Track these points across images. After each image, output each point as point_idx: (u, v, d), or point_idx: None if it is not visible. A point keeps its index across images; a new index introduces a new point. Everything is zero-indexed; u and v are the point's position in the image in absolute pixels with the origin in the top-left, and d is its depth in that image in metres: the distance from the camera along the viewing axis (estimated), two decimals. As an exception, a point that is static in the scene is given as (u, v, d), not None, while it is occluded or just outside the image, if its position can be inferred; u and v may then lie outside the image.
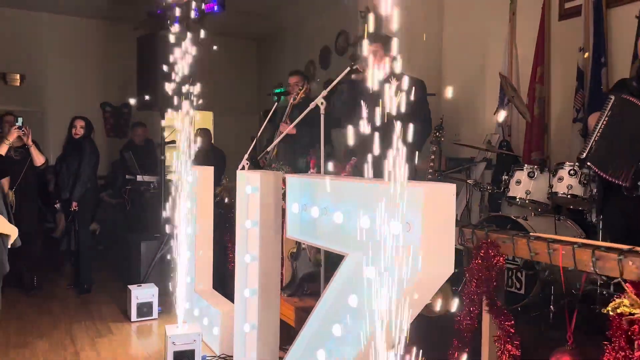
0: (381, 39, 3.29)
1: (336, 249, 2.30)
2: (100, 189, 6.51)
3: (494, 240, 2.15)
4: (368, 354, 2.14)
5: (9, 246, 2.72)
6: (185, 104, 3.66)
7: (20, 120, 4.61)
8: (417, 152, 2.95)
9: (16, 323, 4.00)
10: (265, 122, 4.20)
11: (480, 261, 2.14)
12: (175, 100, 3.64)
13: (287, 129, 4.08)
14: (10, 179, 4.55)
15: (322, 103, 3.04)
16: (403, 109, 1.66)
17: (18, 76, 7.61)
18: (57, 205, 4.88)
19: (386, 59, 3.16)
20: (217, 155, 6.53)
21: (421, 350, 1.81)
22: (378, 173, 1.83)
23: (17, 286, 4.80)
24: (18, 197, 4.67)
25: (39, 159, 4.70)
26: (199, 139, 6.72)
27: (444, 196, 1.83)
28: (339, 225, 2.27)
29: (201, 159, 6.42)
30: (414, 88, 2.85)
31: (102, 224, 6.45)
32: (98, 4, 7.29)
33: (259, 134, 4.22)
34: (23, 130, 4.55)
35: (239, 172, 3.21)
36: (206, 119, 9.13)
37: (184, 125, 3.68)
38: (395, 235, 1.87)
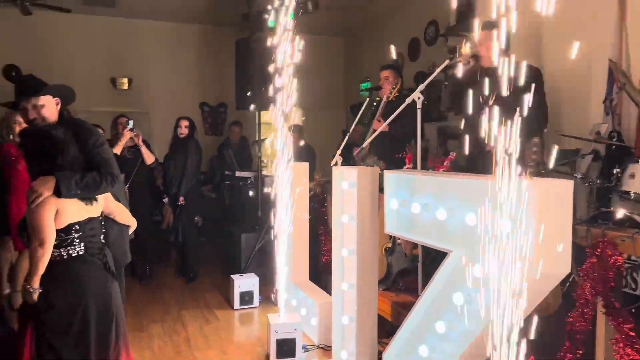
0: (493, 26, 3.14)
1: (439, 246, 2.30)
2: (201, 185, 6.91)
3: (611, 239, 2.04)
4: (473, 353, 2.12)
5: (130, 234, 2.97)
6: (280, 103, 3.80)
7: (131, 123, 5.00)
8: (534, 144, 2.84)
9: (132, 309, 4.37)
10: (357, 118, 4.23)
11: (595, 260, 2.04)
12: (271, 99, 3.79)
13: (381, 127, 4.09)
14: (124, 177, 4.95)
15: (418, 98, 3.02)
16: (521, 99, 1.61)
17: (126, 80, 8.24)
18: (165, 200, 5.24)
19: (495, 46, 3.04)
20: (308, 151, 6.69)
21: (529, 351, 1.77)
22: (486, 167, 1.80)
23: (131, 275, 5.25)
24: (131, 193, 5.08)
25: (149, 158, 5.09)
26: (293, 136, 6.97)
27: (560, 193, 1.77)
28: (442, 222, 2.26)
29: (294, 155, 6.62)
30: (532, 76, 2.74)
31: (203, 218, 6.85)
32: (197, 10, 7.70)
33: (351, 129, 4.28)
34: (134, 132, 4.95)
35: (334, 168, 3.28)
36: (296, 116, 9.34)
37: (279, 124, 3.82)
38: (505, 234, 1.84)
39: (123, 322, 2.38)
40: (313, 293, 3.87)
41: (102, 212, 2.41)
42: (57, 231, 2.14)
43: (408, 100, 3.09)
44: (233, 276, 4.39)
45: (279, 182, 3.72)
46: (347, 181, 3.11)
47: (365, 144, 4.23)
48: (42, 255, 2.09)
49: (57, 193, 2.14)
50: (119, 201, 2.87)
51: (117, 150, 4.88)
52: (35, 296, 2.13)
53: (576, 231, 2.22)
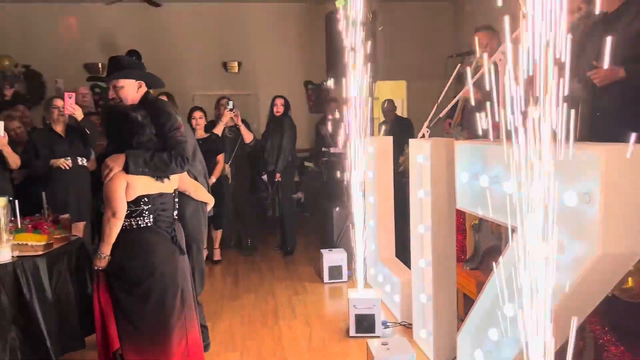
0: None
1: (506, 222, 2.11)
2: (305, 161, 7.10)
3: None
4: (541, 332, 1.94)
5: (208, 211, 3.14)
6: (366, 76, 3.73)
7: (231, 103, 5.25)
8: None
9: (232, 278, 4.66)
10: (446, 87, 4.00)
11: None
12: (356, 72, 3.73)
13: (468, 93, 3.83)
14: (226, 154, 5.24)
15: (500, 60, 2.76)
16: None
17: (236, 64, 8.65)
18: (263, 177, 5.47)
19: None
20: (403, 125, 6.53)
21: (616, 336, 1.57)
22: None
23: (237, 247, 5.59)
24: (233, 169, 5.37)
25: (247, 137, 5.32)
26: (385, 110, 6.81)
27: (631, 160, 1.52)
28: (509, 196, 2.07)
29: (387, 129, 6.49)
30: None
31: (307, 193, 7.03)
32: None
33: (439, 100, 4.06)
34: (234, 112, 5.19)
35: (411, 141, 3.16)
36: (399, 88, 9.12)
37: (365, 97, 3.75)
38: (571, 208, 1.65)
39: (189, 294, 2.51)
40: (397, 270, 3.80)
41: (176, 189, 2.57)
42: (128, 203, 2.32)
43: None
44: (322, 251, 4.47)
45: (358, 157, 3.68)
46: (422, 154, 2.98)
47: (456, 114, 4.02)
48: (114, 224, 2.29)
49: (126, 169, 2.32)
50: (197, 180, 3.05)
51: (218, 130, 5.18)
52: (104, 262, 2.32)
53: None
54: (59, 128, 4.11)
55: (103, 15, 8.01)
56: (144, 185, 2.36)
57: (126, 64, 2.72)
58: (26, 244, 2.64)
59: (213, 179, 4.98)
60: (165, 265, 2.40)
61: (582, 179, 1.58)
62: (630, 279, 2.10)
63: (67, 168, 3.96)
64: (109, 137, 2.57)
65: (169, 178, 2.47)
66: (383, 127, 6.19)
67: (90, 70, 8.19)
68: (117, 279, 2.35)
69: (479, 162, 2.38)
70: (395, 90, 8.99)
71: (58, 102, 4.07)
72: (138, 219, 2.36)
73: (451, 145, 2.91)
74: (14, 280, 2.49)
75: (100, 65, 8.29)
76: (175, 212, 2.57)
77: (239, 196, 5.41)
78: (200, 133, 5.02)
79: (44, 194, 3.09)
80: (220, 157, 5.07)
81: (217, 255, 5.18)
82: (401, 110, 8.54)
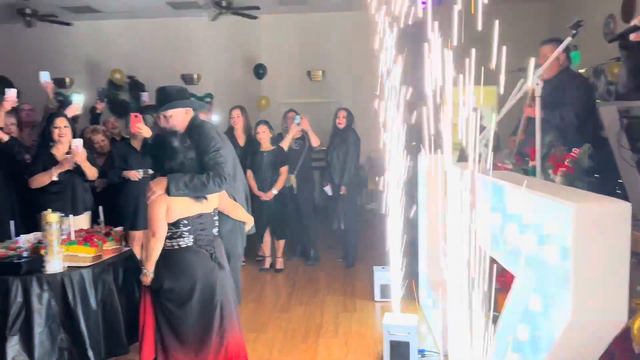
0: None
1: (507, 267, 1.96)
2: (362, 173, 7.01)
3: None
4: None
5: (246, 232, 3.25)
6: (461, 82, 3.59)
7: (298, 117, 5.36)
8: None
9: (288, 289, 4.77)
10: (510, 101, 3.75)
11: None
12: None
13: (532, 112, 3.57)
14: (291, 166, 5.36)
15: (537, 84, 2.54)
16: None
17: (320, 72, 8.80)
18: (326, 189, 5.50)
19: None
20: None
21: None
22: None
23: (301, 256, 5.69)
24: (298, 180, 5.47)
25: (315, 140, 5.41)
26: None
27: (610, 219, 1.35)
28: (513, 239, 1.91)
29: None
30: None
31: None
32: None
33: (498, 117, 3.81)
34: (301, 126, 5.30)
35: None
36: (490, 95, 8.65)
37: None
38: (553, 264, 1.50)
39: (230, 308, 2.66)
40: (445, 296, 3.64)
41: (215, 208, 2.72)
42: (168, 224, 2.53)
43: (523, 87, 2.63)
44: (375, 267, 4.41)
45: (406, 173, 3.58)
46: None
47: (519, 132, 3.76)
48: (154, 244, 2.51)
49: (168, 192, 2.50)
50: (235, 198, 3.18)
51: (285, 144, 5.32)
52: (149, 279, 2.56)
53: None
54: (135, 142, 4.48)
55: (199, 28, 8.59)
56: (183, 208, 2.54)
57: (174, 93, 2.94)
58: (76, 256, 2.94)
59: (275, 191, 5.14)
60: (205, 282, 2.58)
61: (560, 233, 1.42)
62: None
63: (137, 180, 4.31)
64: (153, 162, 2.78)
65: (206, 198, 2.63)
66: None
67: (186, 81, 8.81)
68: (161, 296, 2.56)
69: (498, 197, 2.22)
70: (486, 97, 8.54)
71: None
72: (179, 240, 2.55)
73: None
74: (62, 288, 2.79)
75: (195, 75, 8.90)
76: (215, 230, 2.74)
77: (304, 207, 5.51)
78: (266, 146, 5.19)
79: (101, 207, 3.41)
80: (284, 169, 5.20)
81: (279, 264, 5.33)
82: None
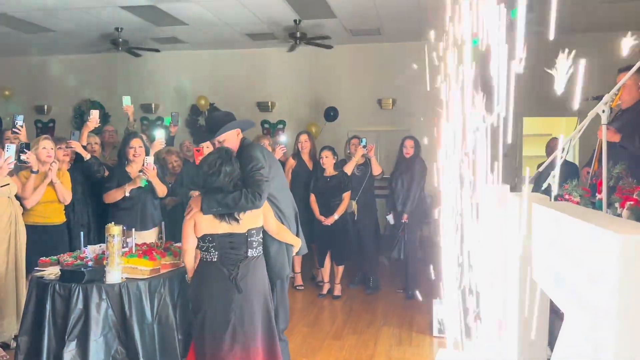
0: None
1: (558, 304, 1.80)
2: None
3: None
4: None
5: (294, 254, 3.25)
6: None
7: (364, 140, 5.37)
8: None
9: (344, 317, 4.70)
10: (580, 132, 3.54)
11: None
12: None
13: (609, 135, 3.35)
14: (353, 192, 5.35)
15: (603, 111, 2.37)
16: None
17: (390, 100, 8.78)
18: (389, 216, 5.41)
19: None
20: (567, 170, 5.82)
21: None
22: None
23: (360, 284, 5.60)
24: (359, 206, 5.44)
25: (376, 169, 5.40)
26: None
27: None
28: (564, 273, 1.76)
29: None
30: None
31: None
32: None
33: (567, 147, 3.60)
34: (367, 149, 5.30)
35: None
36: (571, 126, 8.23)
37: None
38: (599, 301, 1.37)
39: (246, 335, 2.66)
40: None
41: (251, 229, 2.76)
42: (197, 238, 2.71)
43: (591, 114, 2.46)
44: (434, 301, 4.24)
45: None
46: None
47: (594, 163, 3.52)
48: (184, 255, 2.77)
49: (202, 209, 2.62)
50: (282, 221, 3.19)
51: (349, 168, 5.33)
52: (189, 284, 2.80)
53: None
54: (203, 164, 4.68)
55: (276, 58, 8.91)
56: (208, 225, 2.66)
57: (222, 119, 3.06)
58: (135, 268, 3.08)
59: (336, 216, 5.13)
60: (217, 300, 2.65)
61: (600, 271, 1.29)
62: None
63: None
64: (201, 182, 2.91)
65: (237, 220, 2.68)
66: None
67: (261, 108, 9.14)
68: (188, 301, 2.73)
69: (552, 228, 2.06)
70: (567, 128, 8.13)
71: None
72: (205, 253, 2.70)
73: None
74: (120, 299, 2.92)
75: (269, 103, 9.20)
76: (252, 251, 2.76)
77: (365, 234, 5.45)
78: (329, 171, 5.23)
79: (163, 223, 3.58)
80: (347, 195, 5.20)
81: (337, 291, 5.28)
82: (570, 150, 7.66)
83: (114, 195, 4.08)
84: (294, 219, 3.26)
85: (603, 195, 2.41)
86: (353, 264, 5.60)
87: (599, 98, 3.82)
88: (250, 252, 2.75)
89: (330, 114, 8.74)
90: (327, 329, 4.37)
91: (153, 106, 9.42)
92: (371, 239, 5.48)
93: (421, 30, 7.75)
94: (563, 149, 3.09)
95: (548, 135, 7.44)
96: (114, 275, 2.96)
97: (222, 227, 2.67)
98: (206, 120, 3.16)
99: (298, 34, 7.54)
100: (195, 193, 4.48)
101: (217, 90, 9.10)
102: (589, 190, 2.95)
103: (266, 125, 9.25)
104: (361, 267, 5.66)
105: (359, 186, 5.38)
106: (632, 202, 2.23)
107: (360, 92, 8.75)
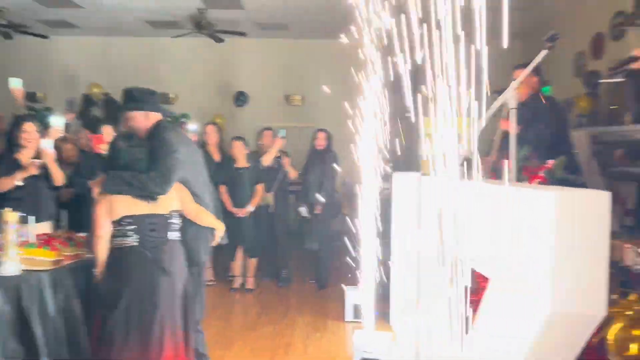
0: None
1: (483, 271, 1.92)
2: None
3: None
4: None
5: (217, 241, 3.13)
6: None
7: (283, 131, 5.33)
8: None
9: (258, 309, 4.63)
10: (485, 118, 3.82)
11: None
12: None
13: (507, 125, 3.63)
14: (268, 184, 5.29)
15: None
16: None
17: (299, 97, 8.85)
18: (302, 209, 5.44)
19: None
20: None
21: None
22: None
23: (273, 277, 5.56)
24: (275, 199, 5.40)
25: (293, 173, 5.41)
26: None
27: (591, 208, 1.32)
28: (489, 240, 1.88)
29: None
30: None
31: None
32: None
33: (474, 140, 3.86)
34: (285, 139, 5.27)
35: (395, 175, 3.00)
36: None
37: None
38: (532, 257, 1.46)
39: (173, 316, 2.52)
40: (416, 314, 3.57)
41: (172, 211, 2.62)
42: (112, 222, 2.46)
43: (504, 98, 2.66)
44: (347, 287, 4.32)
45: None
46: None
47: (493, 152, 3.79)
48: (96, 243, 2.45)
49: (103, 187, 2.44)
50: (204, 205, 3.07)
51: (268, 159, 5.26)
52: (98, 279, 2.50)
53: None
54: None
55: (179, 48, 8.56)
56: (128, 205, 2.46)
57: (138, 96, 2.85)
58: (34, 259, 2.78)
59: (250, 208, 5.05)
60: (142, 286, 2.45)
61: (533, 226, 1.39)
62: (633, 345, 1.80)
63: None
64: (106, 165, 2.70)
65: (154, 199, 2.53)
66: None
67: (162, 101, 8.72)
68: (101, 297, 2.46)
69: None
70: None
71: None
72: (122, 239, 2.47)
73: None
74: (17, 293, 2.62)
75: (172, 95, 8.83)
76: (172, 234, 2.62)
77: (279, 227, 5.42)
78: (242, 162, 5.12)
79: (64, 212, 3.27)
80: (260, 187, 5.13)
81: (250, 284, 5.19)
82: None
83: (3, 184, 3.66)
84: (213, 207, 3.14)
85: (512, 174, 2.59)
86: (265, 256, 5.53)
87: (498, 92, 4.16)
88: (170, 235, 2.61)
89: (240, 99, 8.59)
90: (242, 321, 4.28)
91: (41, 95, 8.63)
92: (285, 232, 5.47)
93: (330, 28, 7.95)
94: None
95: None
96: (11, 266, 2.64)
97: (142, 207, 2.49)
98: (123, 92, 2.90)
99: (203, 23, 7.33)
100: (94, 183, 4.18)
101: (114, 79, 8.54)
102: (495, 174, 3.18)
103: (168, 118, 8.82)
104: (273, 259, 5.61)
105: (275, 178, 5.33)
106: (539, 179, 2.44)
107: (268, 87, 8.72)
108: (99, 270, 2.49)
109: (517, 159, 2.89)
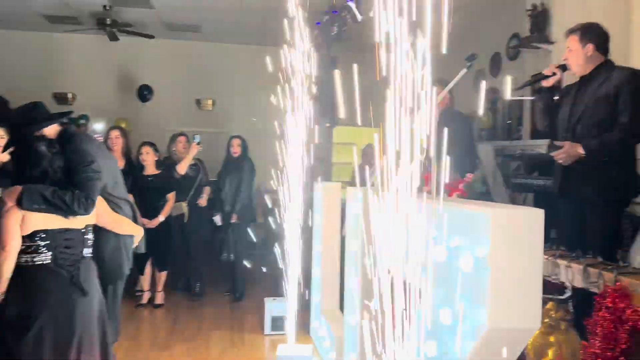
0: (580, 29, 2.74)
1: (413, 284, 1.94)
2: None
3: (624, 287, 1.56)
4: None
5: (134, 246, 2.93)
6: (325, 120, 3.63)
7: (198, 137, 5.10)
8: None
9: (169, 326, 4.38)
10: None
11: (605, 314, 1.57)
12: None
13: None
14: (184, 193, 5.05)
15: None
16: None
17: (210, 101, 8.61)
18: (215, 218, 5.26)
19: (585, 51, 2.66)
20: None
21: None
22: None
23: (185, 291, 5.31)
24: (190, 209, 5.15)
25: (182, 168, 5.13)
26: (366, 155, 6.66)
27: (525, 225, 1.37)
28: (420, 254, 1.91)
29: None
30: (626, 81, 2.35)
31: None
32: (278, 32, 7.83)
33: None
34: (201, 145, 5.05)
35: (348, 189, 3.02)
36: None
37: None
38: (467, 274, 1.48)
39: (91, 342, 2.31)
40: (336, 324, 3.57)
41: (88, 225, 2.40)
42: (23, 237, 2.18)
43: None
44: (266, 299, 4.23)
45: (301, 202, 3.52)
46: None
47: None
48: (4, 259, 2.14)
49: (20, 204, 2.16)
50: (120, 211, 2.86)
51: (183, 167, 5.01)
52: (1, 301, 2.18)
53: (589, 274, 1.74)
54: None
55: (80, 45, 7.98)
56: (43, 219, 2.21)
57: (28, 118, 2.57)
58: None
59: (161, 218, 4.78)
60: (58, 308, 2.21)
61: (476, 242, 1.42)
62: (549, 351, 1.91)
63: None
64: (14, 170, 2.42)
65: (74, 214, 2.32)
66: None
67: (59, 100, 8.08)
68: (8, 322, 2.17)
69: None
70: (368, 137, 8.95)
71: None
72: (34, 255, 2.20)
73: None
74: None
75: (70, 95, 8.21)
76: (87, 250, 2.40)
77: (193, 238, 5.18)
78: (151, 169, 4.85)
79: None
80: (171, 195, 4.88)
81: (159, 299, 4.90)
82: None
83: None
84: (132, 217, 2.93)
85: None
86: (177, 269, 5.28)
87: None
88: (85, 252, 2.39)
89: (144, 93, 8.16)
90: (151, 340, 4.02)
91: None
92: (199, 243, 5.24)
93: (246, 32, 7.83)
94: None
95: (350, 144, 8.10)
96: None
97: (57, 221, 2.25)
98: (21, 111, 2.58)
99: (108, 21, 6.89)
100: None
101: (3, 77, 7.77)
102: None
103: (65, 120, 8.17)
104: (184, 272, 5.37)
105: (191, 187, 5.10)
106: (459, 193, 2.54)
107: (178, 90, 8.38)
108: (2, 289, 2.17)
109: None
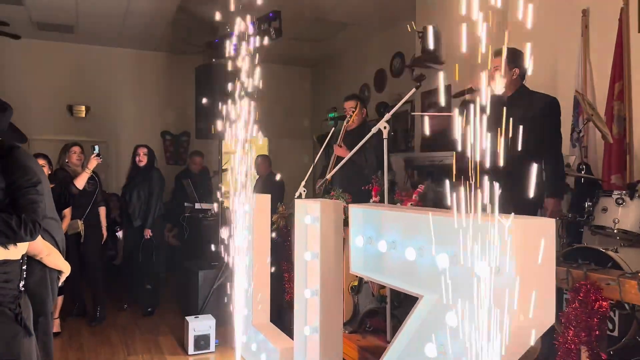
0: (506, 53, 2.94)
1: (408, 289, 2.09)
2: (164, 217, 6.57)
3: (595, 282, 1.88)
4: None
5: (60, 282, 2.65)
6: (242, 132, 3.60)
7: (97, 148, 4.67)
8: None
9: (76, 354, 3.98)
10: (322, 148, 4.11)
11: (578, 306, 1.87)
12: (233, 127, 3.57)
13: (342, 152, 3.97)
14: (80, 209, 4.61)
15: (385, 127, 2.86)
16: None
17: (83, 108, 7.92)
18: (119, 234, 4.90)
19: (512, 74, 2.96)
20: (275, 182, 6.46)
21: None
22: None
23: (82, 316, 4.84)
24: (86, 226, 4.71)
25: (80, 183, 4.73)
26: (258, 166, 6.66)
27: (542, 232, 1.59)
28: (412, 263, 2.06)
29: (260, 186, 6.37)
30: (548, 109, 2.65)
31: (166, 251, 6.47)
32: (159, 37, 7.49)
33: (315, 160, 4.12)
34: (100, 157, 4.63)
35: (297, 201, 3.07)
36: (262, 145, 9.14)
37: (241, 153, 3.60)
38: (483, 278, 1.65)
39: None
40: (274, 337, 3.58)
41: (24, 255, 2.12)
42: None
43: (374, 130, 2.94)
44: (188, 318, 4.06)
45: (234, 215, 3.47)
46: (310, 215, 2.90)
47: (329, 175, 4.06)
48: None
49: None
50: (52, 241, 2.57)
51: (82, 181, 4.56)
52: None
53: (557, 273, 2.04)
54: None
55: None
56: None
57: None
58: None
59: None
60: (3, 353, 1.93)
61: (494, 250, 1.61)
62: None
63: None
64: None
65: (15, 244, 2.04)
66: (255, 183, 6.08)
67: None
68: None
69: (375, 226, 2.36)
70: (261, 147, 9.00)
71: None
72: None
73: (340, 207, 2.89)
74: None
75: None
76: (22, 283, 2.12)
77: (91, 258, 4.74)
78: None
79: None
80: (67, 212, 4.43)
81: (56, 327, 4.40)
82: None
83: None
84: (61, 248, 2.63)
85: (385, 199, 2.86)
86: (74, 293, 4.79)
87: (341, 118, 4.53)
88: (21, 285, 2.11)
89: None
90: (63, 374, 3.63)
91: None
92: (98, 263, 4.81)
93: (129, 36, 7.36)
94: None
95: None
96: None
97: None
98: None
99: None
100: None
101: None
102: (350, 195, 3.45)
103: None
104: (79, 296, 4.90)
105: (88, 202, 4.66)
106: (413, 202, 2.75)
107: (47, 95, 7.59)
108: None
109: (337, 195, 3.23)
